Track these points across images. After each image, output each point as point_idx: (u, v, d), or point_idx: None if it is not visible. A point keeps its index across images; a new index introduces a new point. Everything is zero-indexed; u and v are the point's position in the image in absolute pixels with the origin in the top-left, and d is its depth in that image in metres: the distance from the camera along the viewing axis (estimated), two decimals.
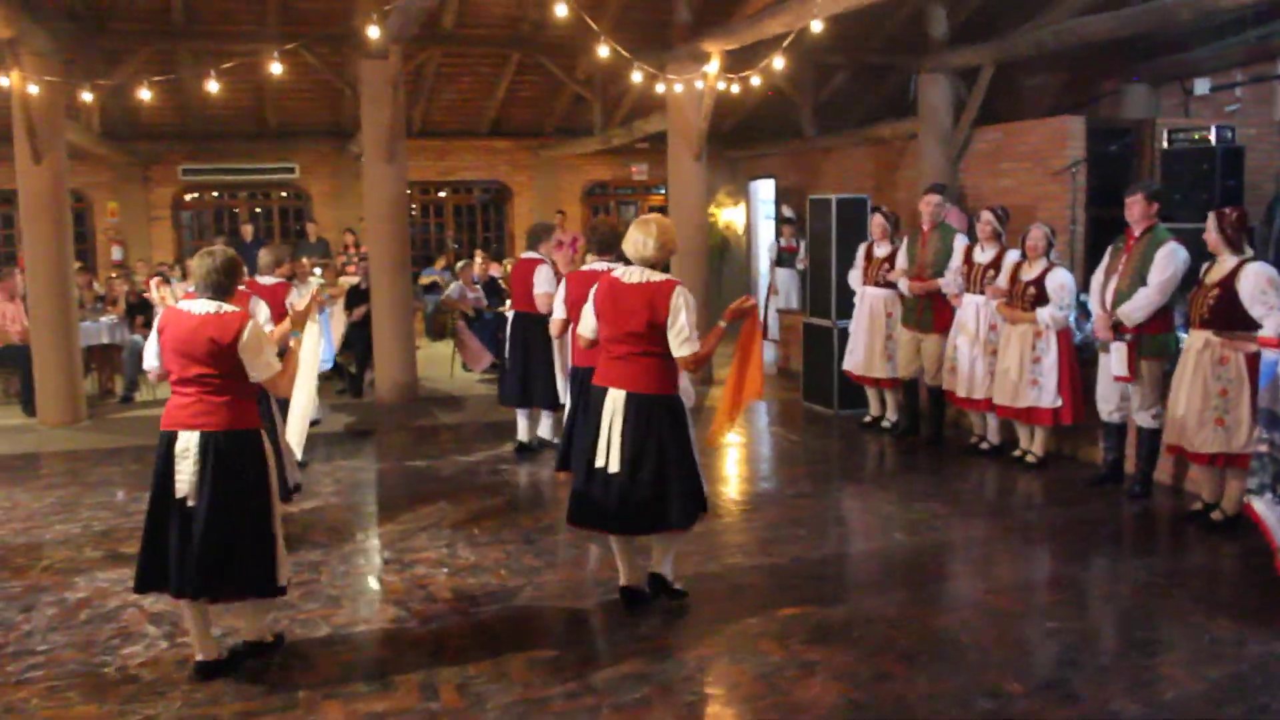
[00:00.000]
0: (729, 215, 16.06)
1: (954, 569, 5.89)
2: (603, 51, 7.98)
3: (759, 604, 5.34)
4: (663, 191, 17.41)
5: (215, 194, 16.27)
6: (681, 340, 4.87)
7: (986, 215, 8.15)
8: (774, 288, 13.78)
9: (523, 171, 16.66)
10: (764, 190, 16.29)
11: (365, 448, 9.15)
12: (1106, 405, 7.20)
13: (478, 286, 12.52)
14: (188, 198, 16.02)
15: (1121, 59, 12.99)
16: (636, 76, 9.11)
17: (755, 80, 9.28)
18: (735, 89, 9.77)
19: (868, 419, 9.38)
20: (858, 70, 14.84)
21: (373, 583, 5.80)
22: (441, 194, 16.90)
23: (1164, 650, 4.71)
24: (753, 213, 16.23)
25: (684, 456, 5.06)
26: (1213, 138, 9.99)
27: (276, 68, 8.47)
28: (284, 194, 16.30)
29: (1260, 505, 5.50)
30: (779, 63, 8.41)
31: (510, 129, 16.28)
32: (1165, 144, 10.48)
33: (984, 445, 8.30)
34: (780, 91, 15.10)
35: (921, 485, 7.57)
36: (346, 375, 11.65)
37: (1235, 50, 11.77)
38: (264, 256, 8.23)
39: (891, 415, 9.15)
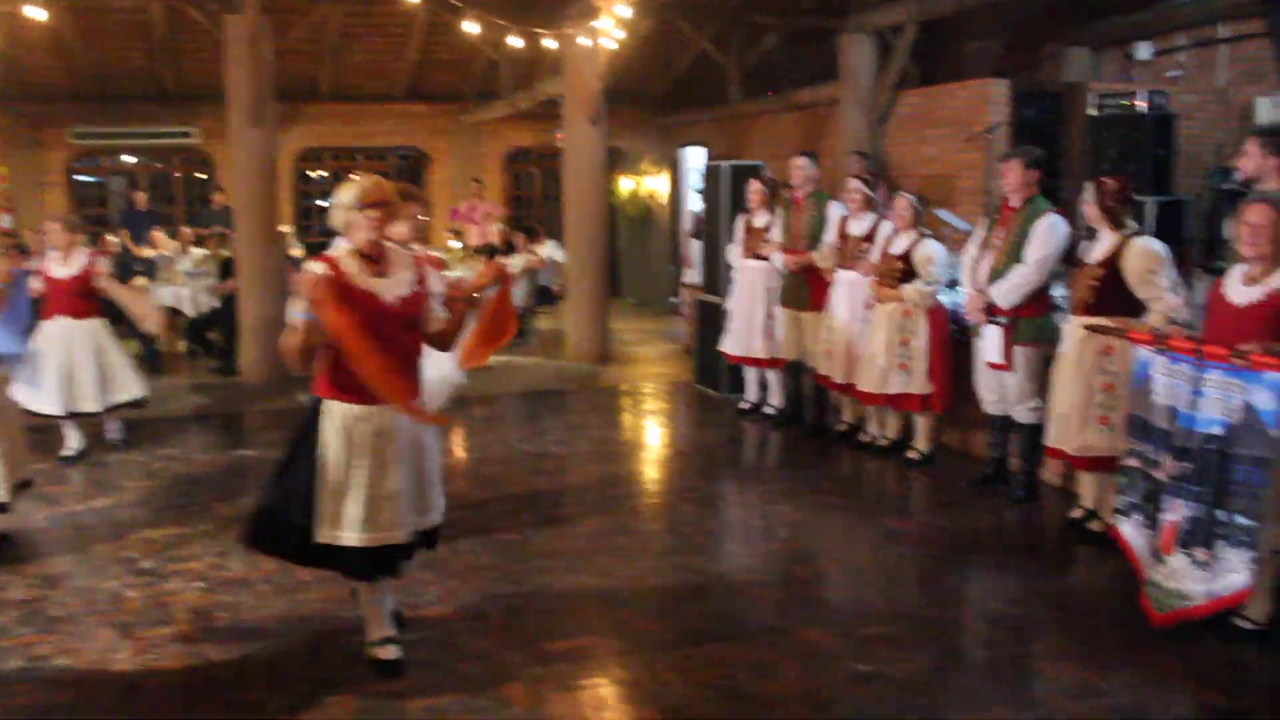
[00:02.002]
0: (653, 184, 15.20)
1: (781, 592, 5.06)
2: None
3: (520, 642, 4.51)
4: None
5: (112, 159, 15.36)
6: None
7: (854, 183, 7.40)
8: (687, 260, 12.95)
9: (442, 137, 15.75)
10: (697, 159, 15.41)
11: (201, 433, 8.36)
12: (988, 395, 6.42)
13: None
14: (81, 163, 15.10)
15: (1062, 22, 12.16)
16: (473, 30, 8.19)
17: (618, 34, 8.41)
18: (613, 45, 8.87)
19: (745, 405, 8.59)
20: (793, 33, 13.98)
21: (107, 601, 5.00)
22: (355, 160, 15.99)
23: (983, 707, 3.92)
24: (681, 182, 15.37)
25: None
26: (1142, 104, 9.17)
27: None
28: (187, 159, 15.38)
29: (1128, 528, 4.74)
30: (623, 10, 7.53)
31: (428, 93, 15.37)
32: (1095, 110, 9.68)
33: (864, 436, 7.53)
34: (707, 55, 14.29)
35: (786, 485, 6.80)
36: (217, 352, 10.84)
37: (1177, 13, 10.92)
38: None
39: (775, 401, 8.36)
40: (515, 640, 4.48)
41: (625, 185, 15.63)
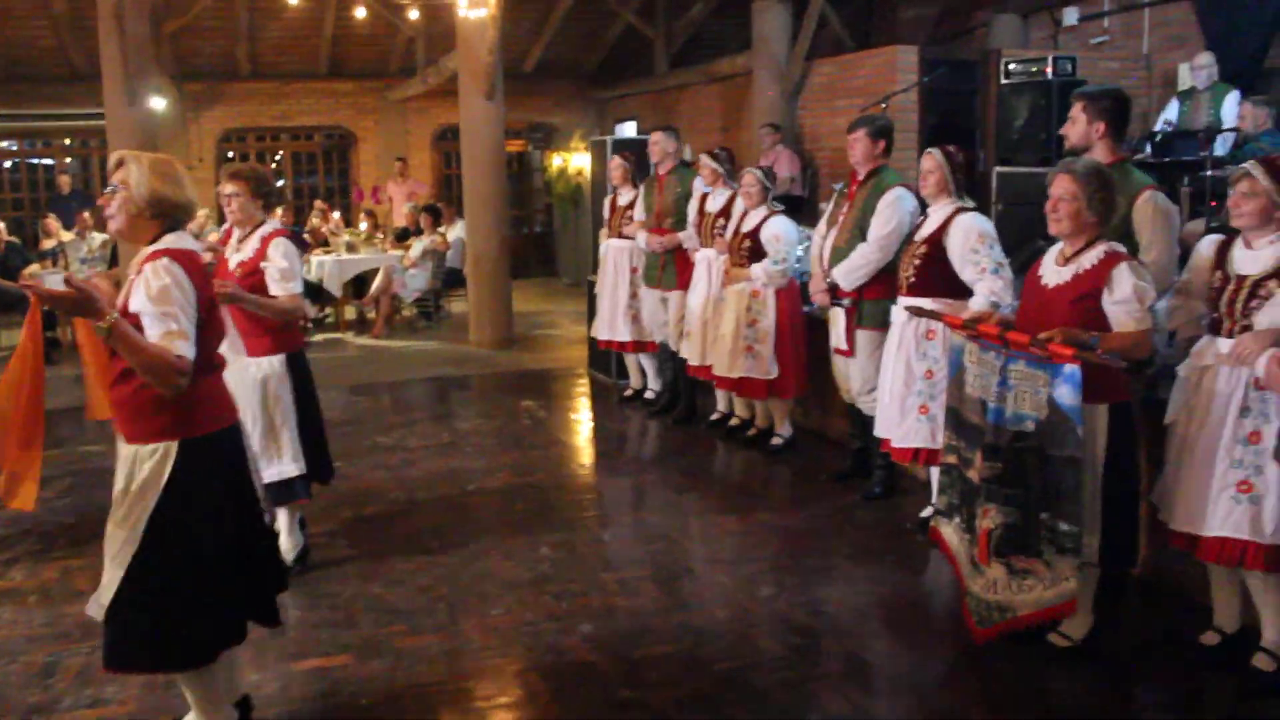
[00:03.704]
0: (582, 161, 14.75)
1: (574, 604, 4.65)
2: None
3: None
4: (520, 136, 16.17)
5: (25, 143, 14.94)
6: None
7: (704, 159, 7.00)
8: None
9: (367, 116, 15.31)
10: (629, 134, 14.96)
11: (59, 429, 7.94)
12: (843, 383, 6.02)
13: None
14: None
15: None
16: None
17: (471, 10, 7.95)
18: (480, 13, 8.42)
19: (628, 391, 8.21)
20: (720, 3, 13.53)
21: None
22: (279, 140, 15.54)
23: None
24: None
25: None
26: (1049, 70, 8.72)
27: None
28: (104, 142, 14.91)
29: (948, 531, 4.31)
30: None
31: (351, 70, 14.93)
32: (1004, 77, 9.23)
33: (733, 421, 7.14)
34: (636, 28, 13.85)
35: (638, 479, 6.45)
36: None
37: None
38: None
39: (654, 385, 7.97)
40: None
41: (556, 163, 15.19)
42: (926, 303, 4.87)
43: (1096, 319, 3.75)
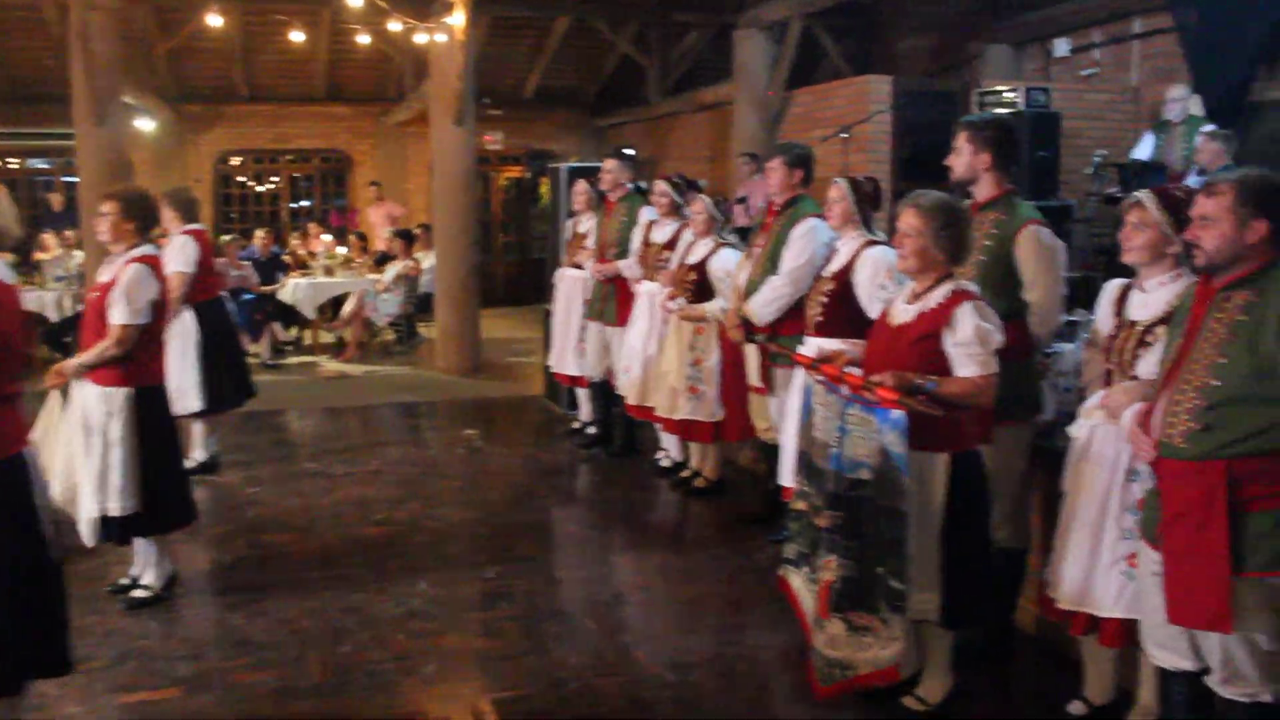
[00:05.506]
0: None
1: (425, 640, 4.49)
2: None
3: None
4: (519, 162, 16.09)
5: (24, 161, 15.09)
6: None
7: (660, 185, 6.70)
8: None
9: (365, 140, 15.31)
10: None
11: None
12: (759, 421, 5.79)
13: (245, 263, 11.17)
14: None
15: (987, 19, 11.49)
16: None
17: (438, 36, 7.85)
18: (424, 38, 8.33)
19: (576, 424, 7.98)
20: (717, 33, 13.40)
21: None
22: (277, 162, 15.59)
23: None
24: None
25: None
26: (1021, 101, 8.49)
27: None
28: None
29: (797, 582, 4.04)
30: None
31: (349, 95, 14.96)
32: (977, 108, 9.00)
33: (665, 462, 6.91)
34: (632, 57, 13.76)
35: (546, 518, 6.25)
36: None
37: (1094, 8, 10.22)
38: None
39: (584, 418, 7.78)
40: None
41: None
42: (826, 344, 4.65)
43: (941, 361, 3.51)
